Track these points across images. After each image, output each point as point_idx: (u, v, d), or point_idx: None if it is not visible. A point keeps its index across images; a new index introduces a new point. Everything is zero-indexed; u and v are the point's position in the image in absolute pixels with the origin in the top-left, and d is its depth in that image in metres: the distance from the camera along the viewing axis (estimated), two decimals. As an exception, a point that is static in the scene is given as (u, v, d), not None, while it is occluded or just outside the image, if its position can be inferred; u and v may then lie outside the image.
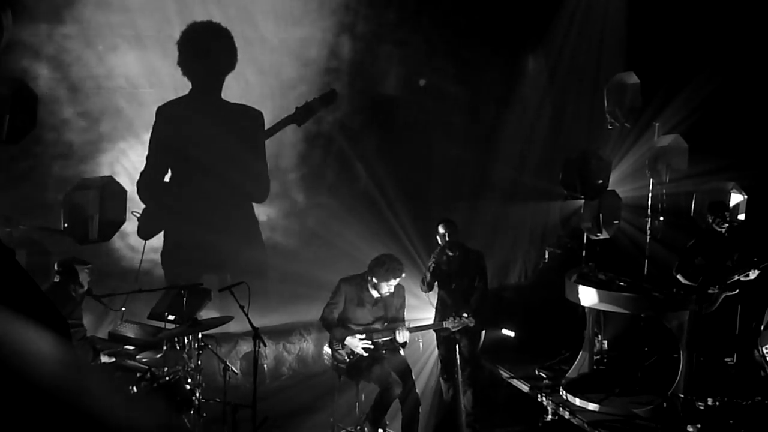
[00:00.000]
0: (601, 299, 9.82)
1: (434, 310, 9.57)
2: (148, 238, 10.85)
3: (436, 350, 9.67)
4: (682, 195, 11.48)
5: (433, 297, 9.60)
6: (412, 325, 9.10)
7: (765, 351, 9.43)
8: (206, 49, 11.04)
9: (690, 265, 9.74)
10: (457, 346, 9.22)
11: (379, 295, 8.91)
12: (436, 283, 9.31)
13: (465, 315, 9.00)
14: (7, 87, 8.18)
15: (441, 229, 9.20)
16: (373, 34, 12.22)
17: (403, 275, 8.94)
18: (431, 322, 9.55)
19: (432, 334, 9.76)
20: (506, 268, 13.27)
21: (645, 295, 9.76)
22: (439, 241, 9.21)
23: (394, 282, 8.86)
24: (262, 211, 11.74)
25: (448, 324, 9.02)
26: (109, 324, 9.83)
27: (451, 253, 9.22)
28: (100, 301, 8.51)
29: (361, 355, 8.83)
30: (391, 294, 8.93)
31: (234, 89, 11.28)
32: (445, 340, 9.32)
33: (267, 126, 11.42)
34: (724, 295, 9.60)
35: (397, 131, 12.46)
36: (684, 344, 9.50)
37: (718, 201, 10.22)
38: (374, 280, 8.86)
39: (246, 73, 11.38)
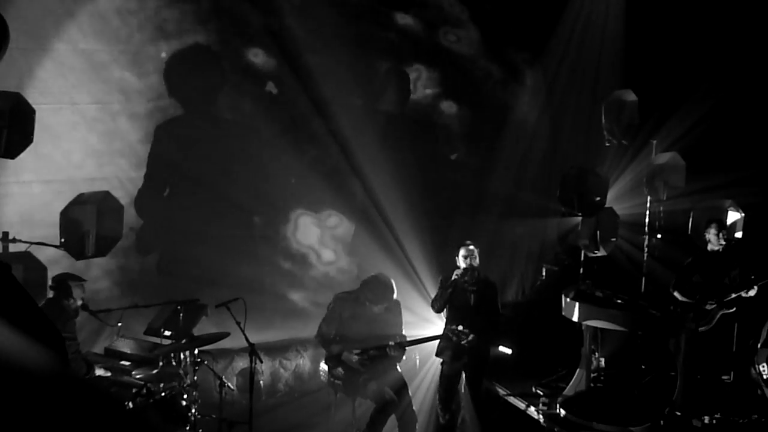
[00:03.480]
0: (599, 316, 9.89)
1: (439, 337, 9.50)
2: (146, 254, 10.88)
3: (433, 365, 9.66)
4: (680, 212, 11.51)
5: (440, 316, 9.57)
6: (408, 340, 9.13)
7: (762, 369, 9.47)
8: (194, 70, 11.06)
9: (687, 283, 9.81)
10: (462, 376, 9.20)
11: (374, 311, 8.94)
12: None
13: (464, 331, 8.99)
14: (4, 102, 8.25)
15: (462, 252, 9.13)
16: (371, 46, 12.27)
17: (394, 296, 8.99)
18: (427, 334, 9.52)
19: (429, 349, 9.74)
20: (503, 285, 13.28)
21: (642, 313, 9.83)
22: (460, 264, 9.15)
23: (384, 304, 8.91)
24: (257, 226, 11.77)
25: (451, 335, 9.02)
26: (105, 339, 9.89)
27: (470, 284, 9.16)
28: (96, 317, 8.54)
29: (357, 372, 8.88)
30: (388, 310, 8.97)
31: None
32: (448, 375, 9.25)
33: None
34: (721, 312, 9.66)
35: (394, 147, 12.45)
36: (681, 362, 9.58)
37: (717, 218, 10.25)
38: (369, 298, 8.91)
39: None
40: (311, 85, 11.61)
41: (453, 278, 9.04)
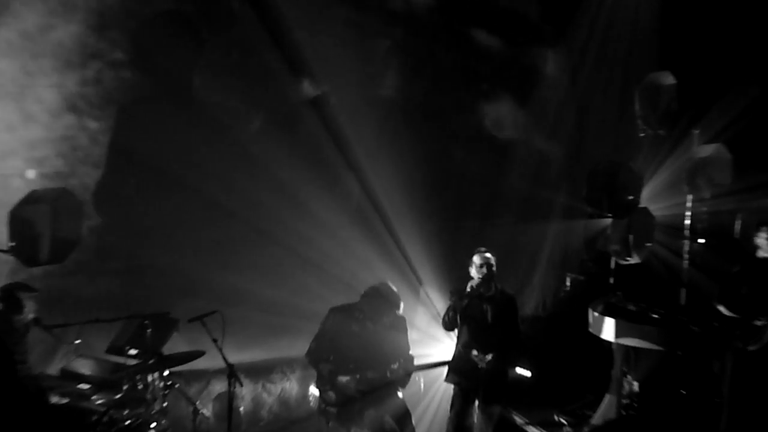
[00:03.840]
0: (631, 334, 9.84)
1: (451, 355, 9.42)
2: (106, 260, 10.79)
3: (441, 390, 9.58)
4: (725, 213, 11.44)
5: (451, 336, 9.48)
6: (414, 363, 9.01)
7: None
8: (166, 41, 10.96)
9: (734, 295, 9.66)
10: (475, 403, 9.09)
11: (375, 328, 8.82)
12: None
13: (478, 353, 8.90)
14: (47, 199, 8.32)
15: (476, 261, 9.06)
16: (368, 25, 12.21)
17: (399, 311, 8.88)
18: (434, 358, 9.48)
19: (435, 371, 9.69)
20: (521, 297, 13.19)
21: (682, 330, 9.74)
22: (473, 274, 9.07)
23: (386, 321, 8.81)
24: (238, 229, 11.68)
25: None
26: (60, 359, 9.75)
27: (485, 298, 9.05)
28: (51, 333, 8.51)
29: (353, 397, 8.75)
30: (391, 327, 8.86)
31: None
32: (462, 395, 9.16)
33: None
34: (773, 329, 9.53)
35: (393, 138, 12.38)
36: (727, 386, 9.45)
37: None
38: (367, 313, 8.80)
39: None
40: (300, 65, 11.51)
41: (467, 290, 8.93)
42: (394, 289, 9.00)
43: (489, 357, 8.78)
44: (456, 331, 9.15)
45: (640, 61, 12.68)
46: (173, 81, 11.14)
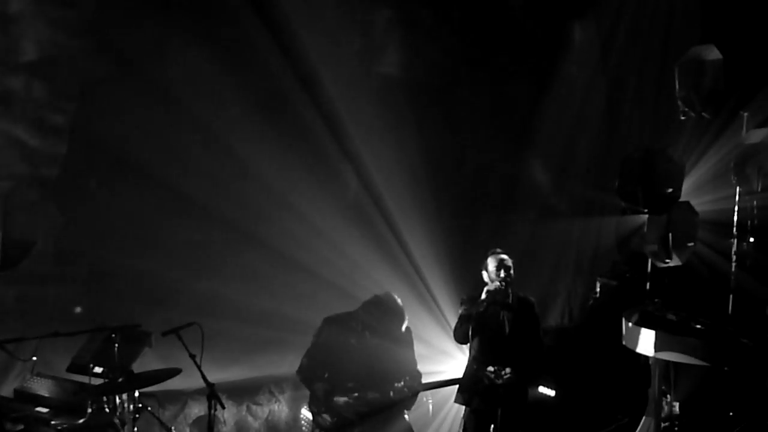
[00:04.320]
0: (671, 347, 9.84)
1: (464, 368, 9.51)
2: (67, 264, 10.83)
3: (452, 412, 9.65)
4: (780, 208, 11.48)
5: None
6: (421, 381, 9.09)
7: None
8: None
9: (790, 302, 9.77)
10: (491, 427, 9.18)
11: (376, 342, 8.91)
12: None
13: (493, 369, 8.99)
14: None
15: (492, 264, 9.15)
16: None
17: (404, 326, 8.96)
18: (444, 376, 9.54)
19: (445, 390, 9.74)
20: (544, 305, 13.27)
21: (729, 342, 9.77)
22: (487, 278, 9.17)
23: (392, 332, 8.90)
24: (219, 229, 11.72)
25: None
26: (15, 379, 9.83)
27: (502, 306, 9.13)
28: (4, 349, 8.43)
29: (352, 421, 8.84)
30: (395, 340, 8.94)
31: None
32: (476, 418, 9.25)
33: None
34: (835, 342, 9.63)
35: (395, 123, 12.42)
36: (782, 407, 9.53)
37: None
38: (367, 324, 8.89)
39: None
40: (285, 38, 11.55)
41: (481, 297, 9.01)
42: (399, 301, 9.06)
43: (507, 372, 8.85)
44: (469, 344, 9.23)
45: (680, 33, 12.72)
46: (139, 61, 11.14)
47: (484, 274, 9.10)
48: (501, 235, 12.60)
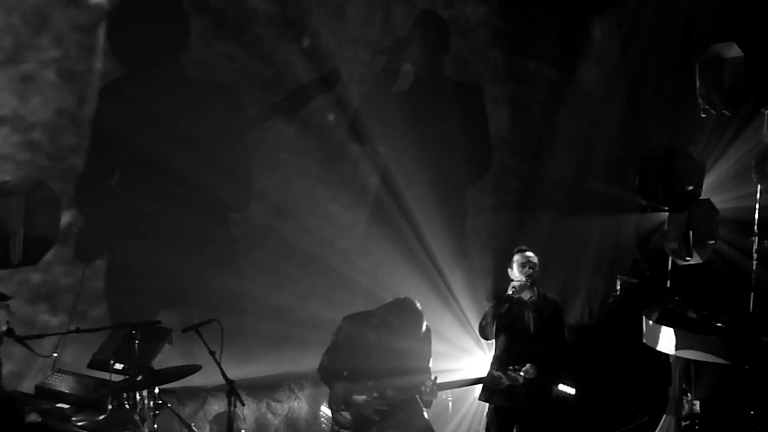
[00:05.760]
0: (692, 345, 9.84)
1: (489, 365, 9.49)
2: (89, 261, 10.83)
3: (472, 409, 9.63)
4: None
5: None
6: (440, 380, 9.05)
7: None
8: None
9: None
10: (514, 426, 9.17)
11: (396, 339, 8.89)
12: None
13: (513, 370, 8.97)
14: (20, 190, 8.36)
15: (517, 261, 9.20)
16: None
17: (423, 328, 8.93)
18: (465, 376, 9.52)
19: (465, 393, 9.72)
20: (564, 303, 13.20)
21: (750, 340, 9.73)
22: (514, 275, 9.18)
23: (411, 331, 8.87)
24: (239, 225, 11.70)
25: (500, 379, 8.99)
26: (36, 375, 9.79)
27: (527, 303, 9.15)
28: (24, 344, 8.47)
29: (371, 419, 8.81)
30: (416, 339, 8.90)
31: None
32: (497, 416, 9.23)
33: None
34: None
35: (419, 120, 12.38)
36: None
37: None
38: (385, 320, 8.87)
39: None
40: (308, 37, 11.53)
41: (507, 294, 9.02)
42: (419, 306, 9.03)
43: (527, 369, 8.85)
44: (493, 341, 9.24)
45: (700, 30, 12.67)
46: (159, 57, 11.11)
47: (510, 271, 9.13)
48: (519, 232, 12.57)
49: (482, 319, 9.24)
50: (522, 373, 8.89)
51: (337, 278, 11.60)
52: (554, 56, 13.28)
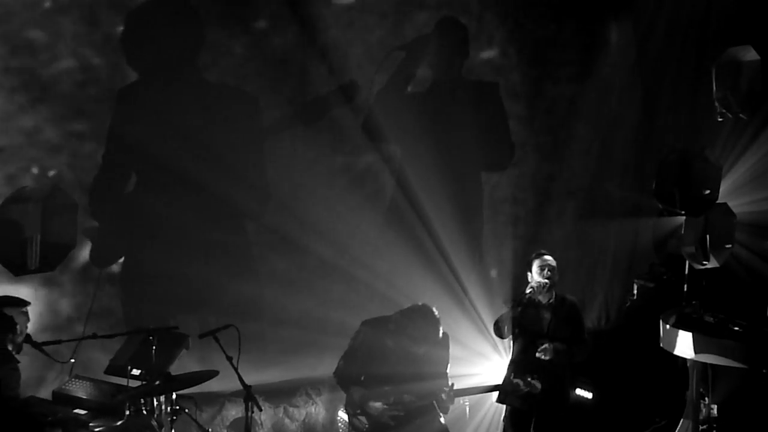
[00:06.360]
0: (709, 349, 9.79)
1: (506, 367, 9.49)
2: (105, 267, 10.84)
3: (489, 413, 9.62)
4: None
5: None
6: (457, 385, 9.04)
7: None
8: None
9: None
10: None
11: (412, 344, 8.87)
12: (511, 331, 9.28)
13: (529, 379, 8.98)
14: (37, 197, 8.36)
15: (536, 265, 9.28)
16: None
17: (440, 334, 8.92)
18: (482, 381, 9.51)
19: (482, 398, 9.71)
20: (582, 306, 13.16)
21: (767, 344, 9.69)
22: (532, 278, 9.24)
23: (428, 336, 8.86)
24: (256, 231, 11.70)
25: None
26: (53, 381, 9.82)
27: (545, 305, 9.18)
28: (42, 351, 8.43)
29: (388, 425, 8.80)
30: (434, 344, 8.89)
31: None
32: (513, 420, 9.23)
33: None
34: None
35: (433, 124, 12.35)
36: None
37: None
38: (402, 325, 8.86)
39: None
40: (325, 43, 11.54)
41: (526, 292, 9.05)
42: (436, 312, 9.01)
43: (535, 378, 8.87)
44: (509, 342, 9.27)
45: (717, 33, 12.62)
46: (175, 64, 11.13)
47: (529, 275, 9.18)
48: (535, 236, 12.56)
49: (498, 319, 9.26)
50: (536, 383, 8.91)
51: (354, 283, 11.61)
52: (571, 60, 13.25)
